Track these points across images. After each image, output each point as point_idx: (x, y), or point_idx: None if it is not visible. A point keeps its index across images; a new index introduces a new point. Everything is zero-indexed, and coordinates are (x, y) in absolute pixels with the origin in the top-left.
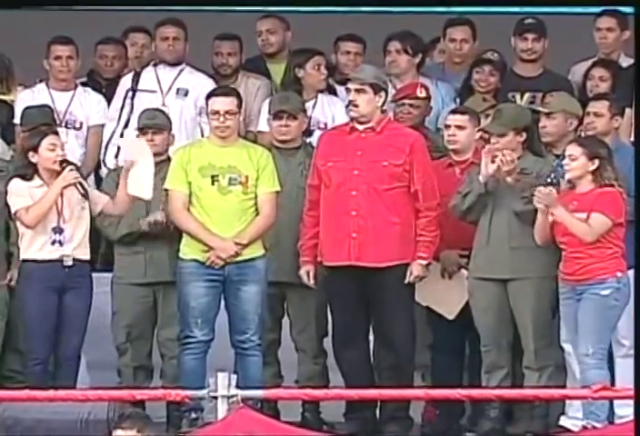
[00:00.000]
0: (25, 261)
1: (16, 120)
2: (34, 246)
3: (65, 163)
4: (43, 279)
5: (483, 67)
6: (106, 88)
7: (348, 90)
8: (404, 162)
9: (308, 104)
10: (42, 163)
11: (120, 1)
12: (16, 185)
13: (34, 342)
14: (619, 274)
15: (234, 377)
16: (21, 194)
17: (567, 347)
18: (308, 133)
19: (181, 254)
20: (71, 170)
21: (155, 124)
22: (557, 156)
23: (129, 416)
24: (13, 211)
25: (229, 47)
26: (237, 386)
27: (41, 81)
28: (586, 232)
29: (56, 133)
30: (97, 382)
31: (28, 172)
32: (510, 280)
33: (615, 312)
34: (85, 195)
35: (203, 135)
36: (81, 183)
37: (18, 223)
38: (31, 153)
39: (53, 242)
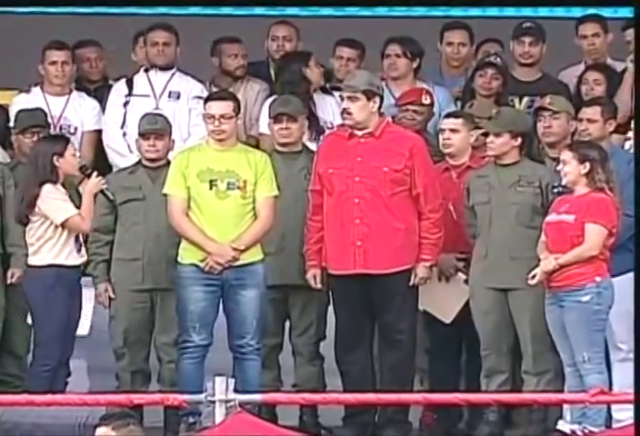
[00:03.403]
0: (50, 266)
1: (11, 124)
2: (64, 253)
3: (84, 167)
4: (70, 284)
5: (486, 70)
6: (95, 92)
7: (342, 98)
8: (404, 166)
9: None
10: (67, 168)
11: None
12: (52, 190)
13: (51, 348)
14: (598, 279)
15: (231, 381)
16: (65, 199)
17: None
18: (319, 133)
19: (179, 259)
20: (97, 176)
21: (157, 129)
22: (554, 159)
23: (111, 415)
24: (63, 216)
25: (241, 49)
26: (235, 390)
27: (36, 85)
28: (586, 251)
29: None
30: (96, 387)
31: (53, 177)
32: (510, 289)
33: (598, 316)
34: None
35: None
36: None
37: (42, 227)
38: (56, 157)
39: (79, 250)
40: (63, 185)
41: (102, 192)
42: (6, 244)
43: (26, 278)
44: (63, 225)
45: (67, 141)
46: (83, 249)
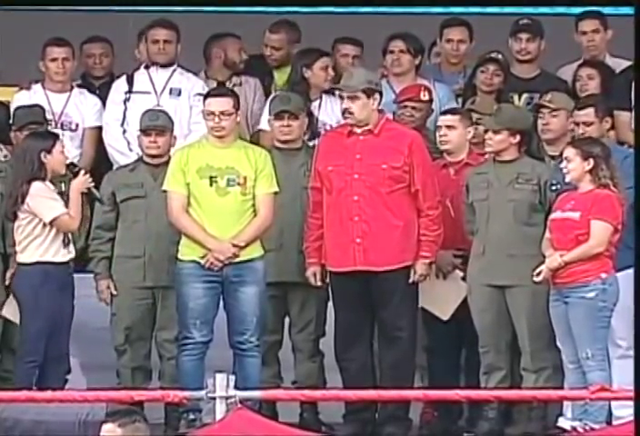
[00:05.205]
0: (38, 263)
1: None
2: (51, 250)
3: (72, 165)
4: (57, 281)
5: (487, 66)
6: (100, 89)
7: (341, 97)
8: (403, 163)
9: (314, 105)
10: (54, 165)
11: (117, 2)
12: (42, 187)
13: (37, 344)
14: (603, 275)
15: (232, 378)
16: (54, 198)
17: (560, 347)
18: (314, 135)
19: (179, 255)
20: (85, 174)
21: (159, 126)
22: (553, 157)
23: (117, 412)
24: (52, 215)
25: (243, 44)
26: (236, 387)
27: (37, 82)
28: (592, 247)
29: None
30: (96, 384)
31: (42, 174)
32: (508, 286)
33: (603, 313)
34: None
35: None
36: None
37: (30, 225)
38: (43, 154)
39: (65, 245)
40: (53, 183)
41: (89, 190)
42: (6, 245)
43: (15, 275)
44: (51, 224)
45: (56, 137)
46: (71, 246)
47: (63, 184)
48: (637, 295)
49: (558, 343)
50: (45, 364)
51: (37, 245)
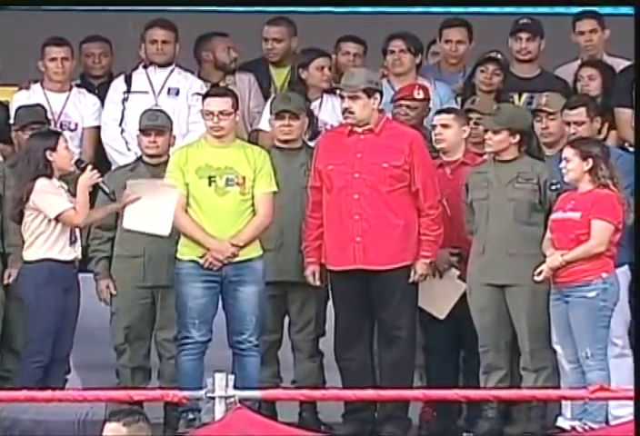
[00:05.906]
0: (43, 260)
1: (12, 121)
2: (56, 247)
3: (79, 162)
4: (61, 280)
5: (487, 66)
6: (99, 88)
7: (342, 97)
8: (403, 162)
9: (314, 104)
10: (61, 162)
11: (116, 2)
12: (46, 184)
13: (43, 344)
14: (604, 275)
15: (231, 378)
16: (59, 193)
17: (558, 349)
18: (315, 134)
19: (178, 255)
20: (92, 170)
21: (158, 126)
22: (549, 157)
23: (120, 411)
24: (56, 210)
25: (232, 42)
26: (235, 387)
27: (35, 82)
28: (593, 247)
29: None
30: (95, 383)
31: (48, 171)
32: (508, 285)
33: (604, 313)
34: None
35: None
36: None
37: (35, 222)
38: (48, 152)
39: (71, 243)
40: (64, 181)
41: (98, 185)
42: (5, 244)
43: (20, 273)
44: (56, 219)
45: (59, 135)
46: (77, 244)
47: (65, 184)
48: (637, 296)
49: (554, 345)
50: (49, 365)
51: (42, 242)
